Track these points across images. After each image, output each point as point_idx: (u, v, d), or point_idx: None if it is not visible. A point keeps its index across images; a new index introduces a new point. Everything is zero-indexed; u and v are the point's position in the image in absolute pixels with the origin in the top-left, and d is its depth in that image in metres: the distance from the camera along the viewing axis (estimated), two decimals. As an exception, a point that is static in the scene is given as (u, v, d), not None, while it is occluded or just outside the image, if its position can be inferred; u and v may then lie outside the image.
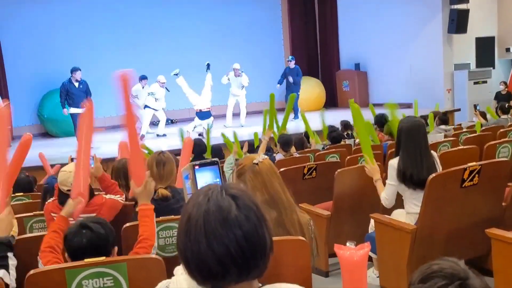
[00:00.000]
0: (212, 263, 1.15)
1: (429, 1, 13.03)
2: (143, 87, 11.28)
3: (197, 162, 1.47)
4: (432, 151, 3.47)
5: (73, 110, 9.87)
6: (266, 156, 2.10)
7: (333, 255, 4.11)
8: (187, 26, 14.14)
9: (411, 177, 3.26)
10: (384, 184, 3.54)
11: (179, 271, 1.48)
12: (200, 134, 10.08)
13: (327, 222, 3.93)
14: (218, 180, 1.48)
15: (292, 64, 12.83)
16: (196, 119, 10.87)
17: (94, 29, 13.15)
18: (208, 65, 11.42)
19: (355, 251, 1.62)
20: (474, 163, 3.25)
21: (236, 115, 12.25)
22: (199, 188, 1.45)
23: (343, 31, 15.62)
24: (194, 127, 10.81)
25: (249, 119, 12.38)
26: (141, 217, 2.40)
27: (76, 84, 9.92)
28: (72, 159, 3.88)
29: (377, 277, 3.61)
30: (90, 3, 13.19)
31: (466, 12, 12.58)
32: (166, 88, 11.13)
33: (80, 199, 2.53)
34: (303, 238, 1.94)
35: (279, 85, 12.84)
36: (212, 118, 10.81)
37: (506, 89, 11.66)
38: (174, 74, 11.05)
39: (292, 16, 15.83)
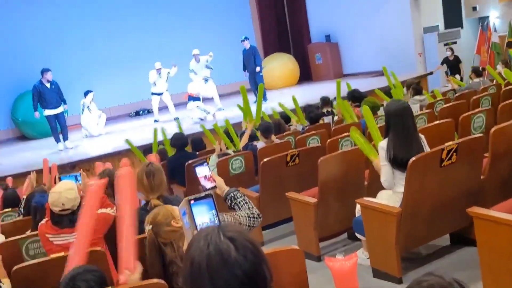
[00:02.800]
0: None
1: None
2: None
3: (192, 197, 1.53)
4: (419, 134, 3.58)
5: (48, 112, 9.75)
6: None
7: (323, 239, 4.26)
8: (147, 13, 14.05)
9: (401, 160, 3.36)
10: None
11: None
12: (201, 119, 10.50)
13: (315, 208, 4.04)
14: (213, 211, 1.55)
15: (247, 44, 11.87)
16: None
17: (61, 28, 12.97)
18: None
19: (344, 261, 1.72)
20: (451, 143, 3.37)
21: (206, 99, 11.92)
22: (196, 221, 1.52)
23: (310, 3, 15.57)
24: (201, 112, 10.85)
25: (224, 101, 12.26)
26: None
27: (48, 85, 9.75)
28: (60, 179, 3.88)
29: (367, 258, 3.74)
30: (57, 2, 12.98)
31: (430, -26, 12.65)
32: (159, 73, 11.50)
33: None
34: (296, 247, 2.03)
35: (245, 72, 12.05)
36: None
37: (453, 54, 11.86)
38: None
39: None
